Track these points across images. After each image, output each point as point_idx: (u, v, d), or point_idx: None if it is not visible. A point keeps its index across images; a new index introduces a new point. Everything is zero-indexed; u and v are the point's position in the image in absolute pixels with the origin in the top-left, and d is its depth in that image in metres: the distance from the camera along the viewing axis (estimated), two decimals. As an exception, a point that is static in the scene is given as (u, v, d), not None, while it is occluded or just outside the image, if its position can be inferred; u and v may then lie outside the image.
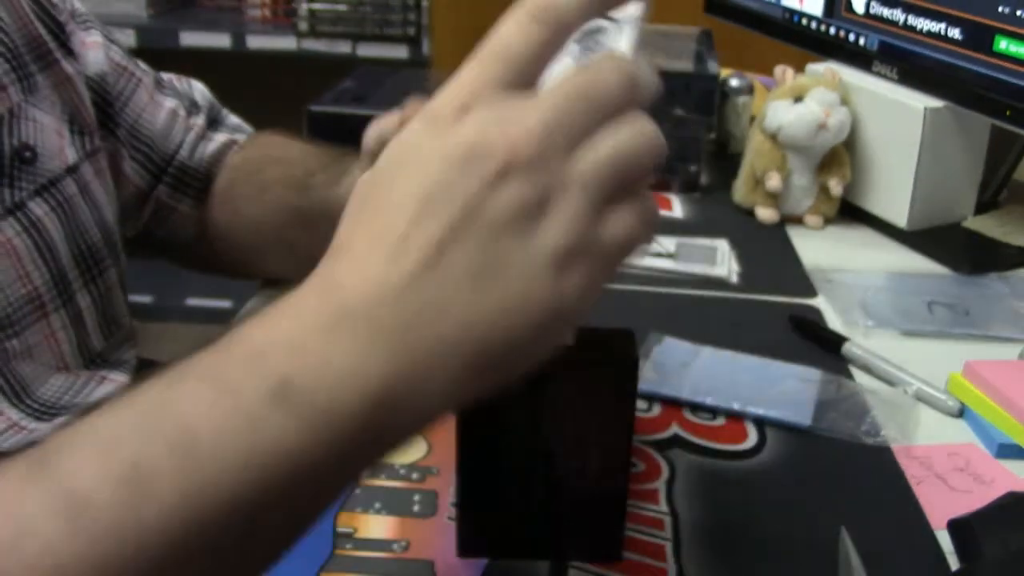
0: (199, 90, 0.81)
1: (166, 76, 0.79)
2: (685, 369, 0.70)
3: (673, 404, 0.68)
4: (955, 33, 0.88)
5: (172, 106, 0.76)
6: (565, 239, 0.33)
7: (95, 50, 0.70)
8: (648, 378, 0.69)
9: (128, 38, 2.02)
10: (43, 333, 0.60)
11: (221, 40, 2.12)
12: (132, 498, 0.30)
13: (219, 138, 0.79)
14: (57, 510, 0.29)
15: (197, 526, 0.30)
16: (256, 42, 2.13)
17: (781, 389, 0.69)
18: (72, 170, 0.63)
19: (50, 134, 0.62)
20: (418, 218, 0.33)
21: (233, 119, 0.83)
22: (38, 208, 0.60)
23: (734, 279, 0.88)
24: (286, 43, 2.12)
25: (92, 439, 0.31)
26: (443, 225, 0.33)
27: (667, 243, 0.90)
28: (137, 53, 0.77)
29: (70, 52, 0.66)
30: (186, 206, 0.77)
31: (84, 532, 0.29)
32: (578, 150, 0.34)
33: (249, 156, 0.79)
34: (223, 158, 0.78)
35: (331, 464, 0.32)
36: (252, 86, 2.07)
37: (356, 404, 0.32)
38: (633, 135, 0.34)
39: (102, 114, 0.70)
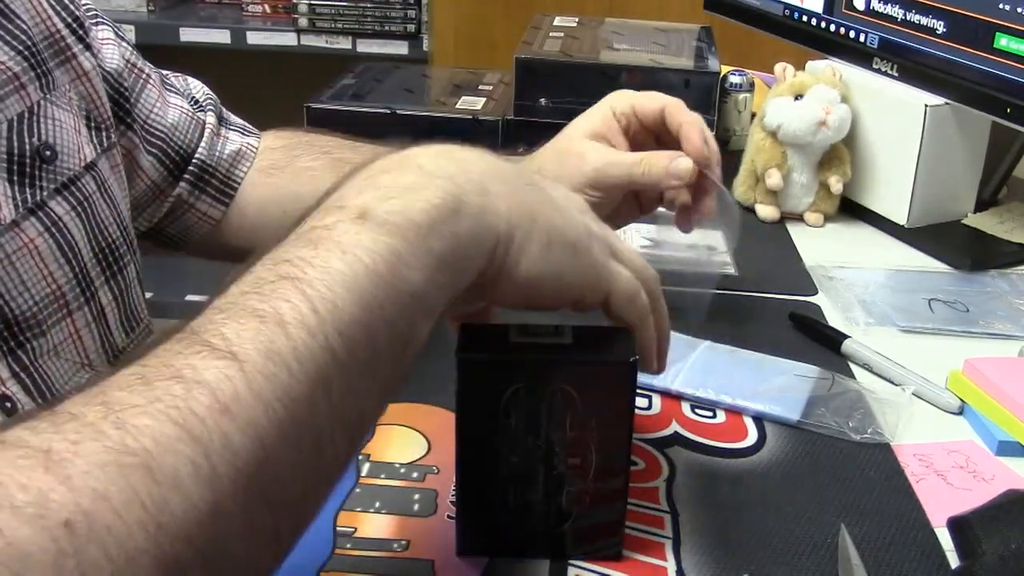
0: (198, 87, 0.81)
1: (164, 72, 0.79)
2: (681, 362, 0.70)
3: (666, 396, 0.68)
4: (955, 30, 0.88)
5: (178, 102, 0.76)
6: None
7: (109, 46, 0.70)
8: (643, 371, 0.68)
9: (128, 35, 2.01)
10: (67, 331, 0.60)
11: (221, 36, 2.11)
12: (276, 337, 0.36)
13: (234, 137, 0.79)
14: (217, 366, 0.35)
15: (329, 351, 0.37)
16: (256, 38, 2.12)
17: (775, 384, 0.69)
18: (90, 167, 0.63)
19: (69, 132, 0.62)
20: None
21: (236, 119, 0.82)
22: (59, 207, 0.59)
23: (732, 270, 0.88)
24: (286, 39, 2.12)
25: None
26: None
27: (663, 233, 0.90)
28: (136, 50, 0.76)
29: (88, 46, 0.66)
30: (204, 204, 0.77)
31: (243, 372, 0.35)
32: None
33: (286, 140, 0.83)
34: (243, 160, 0.79)
35: (415, 270, 0.40)
36: (252, 83, 2.07)
37: (423, 211, 0.41)
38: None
39: (120, 110, 0.70)
